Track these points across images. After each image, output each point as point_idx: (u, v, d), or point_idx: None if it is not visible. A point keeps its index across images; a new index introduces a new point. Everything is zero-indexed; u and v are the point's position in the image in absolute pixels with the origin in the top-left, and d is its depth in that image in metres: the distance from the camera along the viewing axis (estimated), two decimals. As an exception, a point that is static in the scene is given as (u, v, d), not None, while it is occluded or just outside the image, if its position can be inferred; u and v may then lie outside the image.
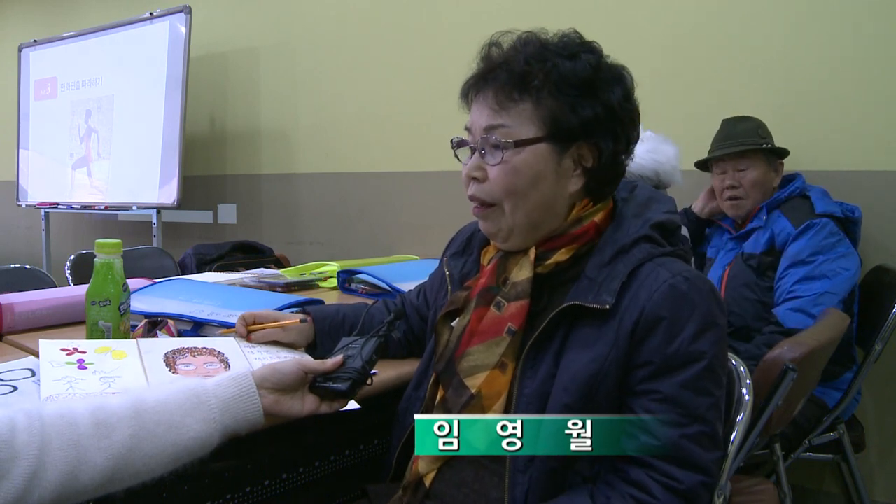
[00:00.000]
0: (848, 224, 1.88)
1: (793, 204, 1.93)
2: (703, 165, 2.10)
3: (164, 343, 1.14)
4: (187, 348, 1.12)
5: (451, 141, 0.99)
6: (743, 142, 1.98)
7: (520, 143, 0.89)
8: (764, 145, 1.96)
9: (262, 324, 1.19)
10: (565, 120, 0.89)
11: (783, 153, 2.00)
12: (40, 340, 1.08)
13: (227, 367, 1.08)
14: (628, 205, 0.96)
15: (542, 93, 0.89)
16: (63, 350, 1.06)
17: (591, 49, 0.92)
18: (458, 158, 0.99)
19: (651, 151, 1.66)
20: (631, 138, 0.95)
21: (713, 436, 0.83)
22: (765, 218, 1.95)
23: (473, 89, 0.94)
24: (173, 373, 1.04)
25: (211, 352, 1.12)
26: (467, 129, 0.95)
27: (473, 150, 0.94)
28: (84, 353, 1.06)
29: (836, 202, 1.91)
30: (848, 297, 1.84)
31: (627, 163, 0.96)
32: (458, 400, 0.91)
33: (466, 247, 1.09)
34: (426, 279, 1.27)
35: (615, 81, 0.92)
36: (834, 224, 1.84)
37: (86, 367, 1.02)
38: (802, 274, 1.79)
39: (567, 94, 0.89)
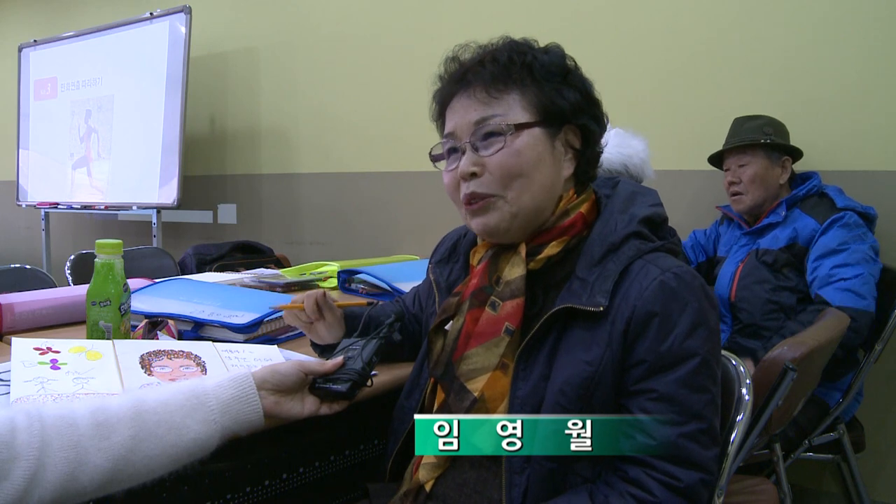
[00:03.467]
0: (866, 220, 1.88)
1: (812, 202, 1.93)
2: (719, 165, 2.13)
3: (141, 345, 1.12)
4: (164, 351, 1.10)
5: (430, 153, 0.99)
6: (743, 138, 1.99)
7: (519, 127, 0.90)
8: (763, 140, 1.96)
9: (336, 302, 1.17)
10: (553, 105, 0.91)
11: (791, 151, 2.00)
12: (13, 339, 1.06)
13: (204, 370, 1.07)
14: (612, 200, 0.96)
15: (527, 81, 0.91)
16: (37, 349, 1.03)
17: (555, 47, 0.96)
18: (437, 168, 0.99)
19: (618, 146, 1.67)
20: (605, 124, 0.98)
21: (711, 432, 0.83)
22: (783, 214, 1.94)
23: (451, 95, 0.95)
24: (149, 375, 1.02)
25: (188, 355, 1.11)
26: (449, 134, 0.95)
27: (461, 152, 0.93)
28: (58, 352, 1.03)
29: (859, 203, 1.92)
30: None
31: (602, 148, 0.99)
32: (461, 404, 0.90)
33: (452, 253, 1.08)
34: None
35: (581, 74, 0.96)
36: (857, 217, 1.85)
37: (59, 368, 0.99)
38: (840, 261, 1.80)
39: (550, 82, 0.91)
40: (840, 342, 1.62)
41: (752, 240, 2.01)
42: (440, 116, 0.99)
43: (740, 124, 2.05)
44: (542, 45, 0.96)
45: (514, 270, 0.92)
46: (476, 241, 1.03)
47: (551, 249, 0.92)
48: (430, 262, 1.12)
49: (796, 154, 2.01)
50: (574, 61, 0.96)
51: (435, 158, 0.99)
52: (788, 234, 1.91)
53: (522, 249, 0.92)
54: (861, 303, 1.74)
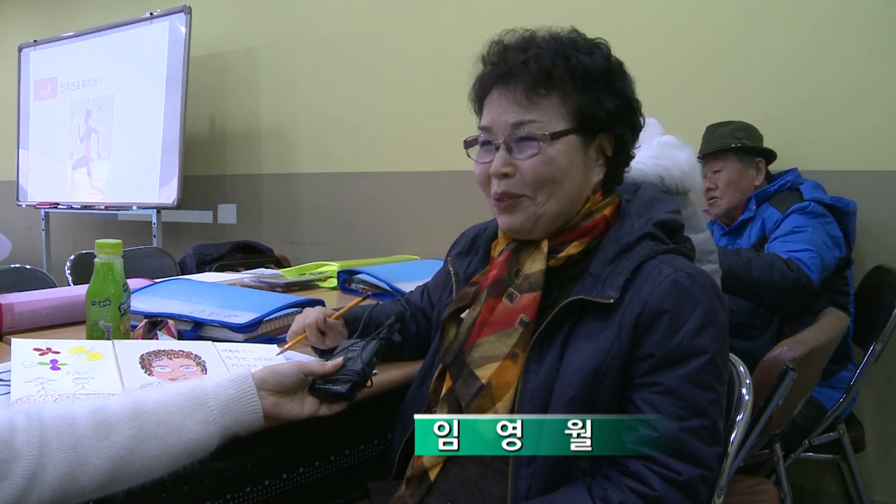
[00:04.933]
0: (838, 213, 1.89)
1: (782, 196, 1.96)
2: None
3: (141, 345, 1.12)
4: (164, 350, 1.10)
5: (465, 141, 0.99)
6: (714, 145, 2.03)
7: (555, 136, 0.90)
8: (733, 144, 1.99)
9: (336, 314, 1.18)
10: (592, 113, 0.92)
11: (765, 152, 2.02)
12: (13, 339, 1.06)
13: (205, 370, 1.07)
14: (632, 205, 0.97)
15: (568, 87, 0.91)
16: (36, 350, 1.03)
17: (599, 45, 0.95)
18: (469, 157, 0.99)
19: (656, 158, 1.63)
20: (640, 126, 0.99)
21: (713, 430, 0.83)
22: (754, 209, 1.98)
23: (491, 87, 0.94)
24: (149, 375, 1.02)
25: (188, 355, 1.11)
26: (485, 128, 0.95)
27: (496, 148, 0.93)
28: (58, 353, 1.03)
29: (828, 196, 1.92)
30: (835, 284, 1.86)
31: (634, 152, 0.99)
32: (468, 391, 0.91)
33: (471, 247, 1.10)
34: (427, 279, 1.27)
35: (623, 74, 0.96)
36: (822, 207, 1.86)
37: (59, 368, 0.99)
38: (793, 239, 1.82)
39: (591, 88, 0.91)
40: (775, 286, 1.68)
41: (732, 240, 2.04)
42: (478, 102, 0.98)
43: (712, 131, 2.08)
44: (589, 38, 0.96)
45: (535, 265, 0.93)
46: (497, 235, 1.04)
47: (573, 248, 0.93)
48: (448, 255, 1.13)
49: (770, 155, 2.03)
50: (618, 61, 0.95)
51: (468, 144, 0.99)
52: (758, 228, 1.95)
53: (545, 246, 0.94)
54: (805, 269, 1.75)
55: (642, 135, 1.41)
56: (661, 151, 1.49)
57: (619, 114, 0.93)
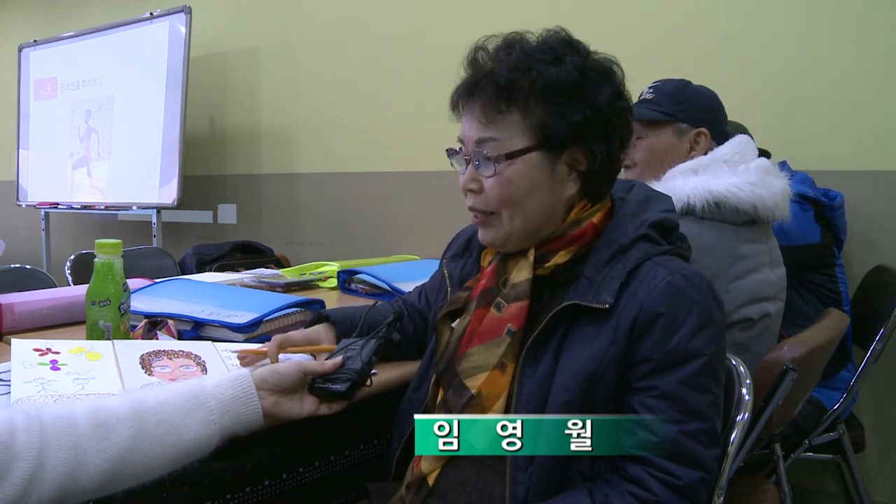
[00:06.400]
0: (822, 207, 1.87)
1: None
2: None
3: (141, 345, 1.12)
4: (164, 351, 1.10)
5: (447, 151, 1.00)
6: None
7: (511, 156, 0.89)
8: None
9: (296, 347, 1.12)
10: (555, 128, 0.88)
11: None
12: (13, 340, 1.06)
13: (205, 370, 1.07)
14: (625, 205, 0.96)
15: (530, 102, 0.88)
16: (36, 350, 1.03)
17: (575, 50, 0.91)
18: (454, 166, 1.00)
19: (753, 184, 1.45)
20: (624, 136, 0.94)
21: (712, 433, 0.83)
22: None
23: (462, 99, 0.94)
24: (149, 375, 1.03)
25: (188, 355, 1.11)
26: (460, 140, 0.96)
27: (468, 161, 0.94)
28: (58, 353, 1.04)
29: (817, 188, 1.91)
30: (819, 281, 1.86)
31: (623, 159, 0.96)
32: (459, 401, 0.91)
33: (466, 248, 1.10)
34: (426, 279, 1.27)
35: (603, 81, 0.91)
36: (801, 198, 1.84)
37: (59, 369, 0.99)
38: None
39: (555, 102, 0.88)
40: None
41: None
42: (455, 112, 0.98)
43: None
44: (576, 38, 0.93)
45: (521, 274, 0.93)
46: None
47: (560, 258, 0.92)
48: (443, 258, 1.13)
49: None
50: (600, 67, 0.91)
51: (450, 154, 0.99)
52: None
53: (531, 255, 0.93)
54: None
55: (737, 156, 1.38)
56: (758, 178, 1.39)
57: (588, 126, 0.89)
